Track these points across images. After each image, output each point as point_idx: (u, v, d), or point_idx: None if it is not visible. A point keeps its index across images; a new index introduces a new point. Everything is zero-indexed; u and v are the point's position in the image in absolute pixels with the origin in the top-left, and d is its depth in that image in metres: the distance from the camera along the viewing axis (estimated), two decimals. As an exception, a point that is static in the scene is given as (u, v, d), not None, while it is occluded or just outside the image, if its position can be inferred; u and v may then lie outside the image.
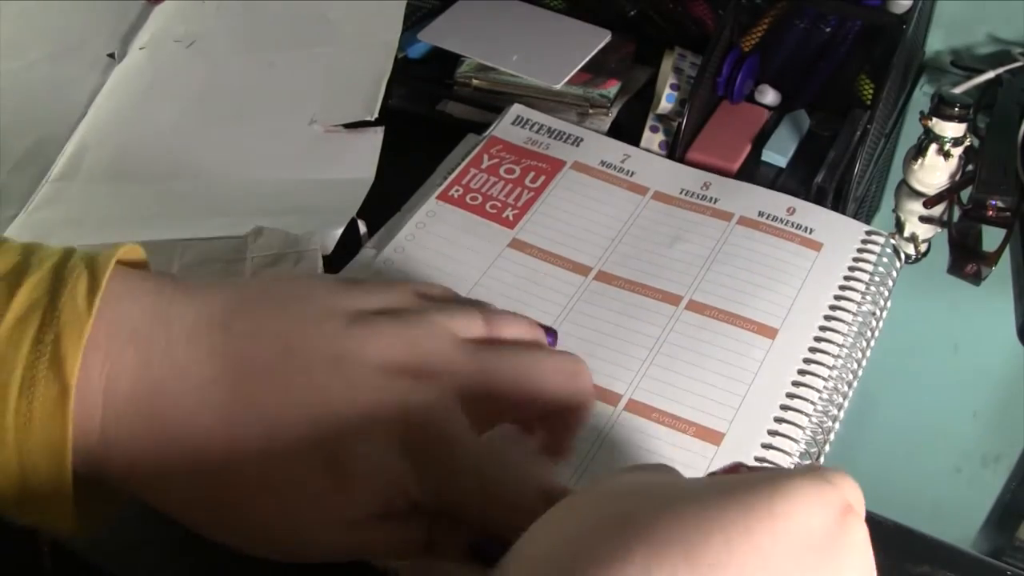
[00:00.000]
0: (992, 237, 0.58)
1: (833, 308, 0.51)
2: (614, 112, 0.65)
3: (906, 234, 0.61)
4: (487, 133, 0.62)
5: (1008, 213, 0.56)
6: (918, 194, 0.60)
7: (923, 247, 0.60)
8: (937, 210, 0.60)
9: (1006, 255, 0.57)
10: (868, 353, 0.51)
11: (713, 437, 0.46)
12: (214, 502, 0.35)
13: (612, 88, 0.65)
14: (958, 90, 0.61)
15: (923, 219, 0.60)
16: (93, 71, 0.69)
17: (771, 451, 0.45)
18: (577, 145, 0.61)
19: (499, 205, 0.57)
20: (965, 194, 0.59)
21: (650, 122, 0.63)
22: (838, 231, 0.55)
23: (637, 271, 0.54)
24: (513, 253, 0.55)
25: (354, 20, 0.70)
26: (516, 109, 0.63)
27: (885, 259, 0.54)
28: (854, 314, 0.51)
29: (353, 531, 0.36)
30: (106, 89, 0.67)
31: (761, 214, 0.56)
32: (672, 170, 0.59)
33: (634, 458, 0.45)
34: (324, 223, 0.56)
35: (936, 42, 0.70)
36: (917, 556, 0.44)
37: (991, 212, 0.57)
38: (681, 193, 0.58)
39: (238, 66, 0.69)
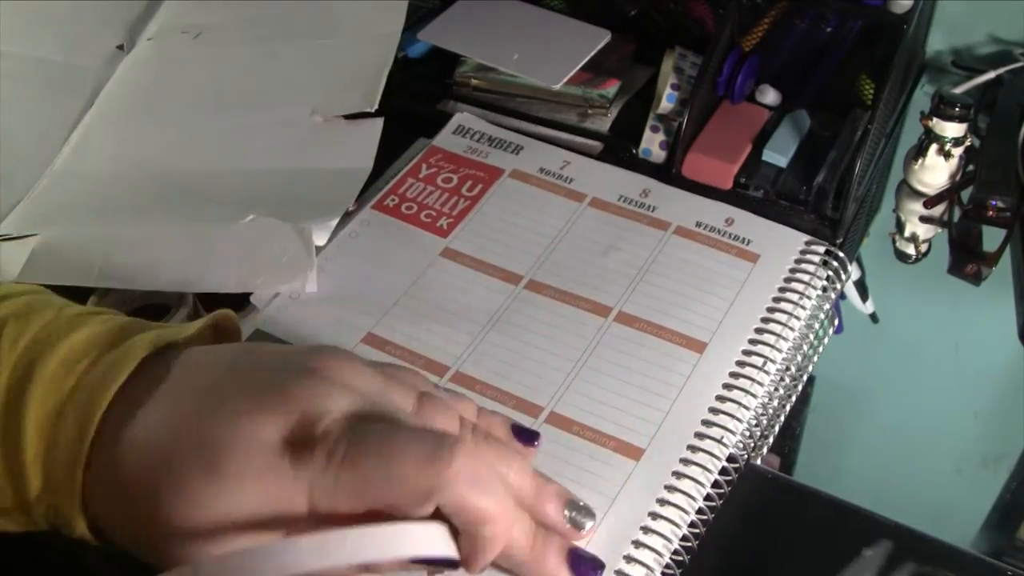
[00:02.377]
0: (992, 237, 0.58)
1: (766, 321, 0.51)
2: (614, 112, 0.65)
3: (906, 234, 0.61)
4: (430, 142, 0.62)
5: (1008, 213, 0.56)
6: (918, 194, 0.60)
7: (923, 247, 0.60)
8: (937, 210, 0.60)
9: (1006, 255, 0.57)
10: (810, 365, 0.51)
11: (632, 452, 0.45)
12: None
13: (612, 88, 0.65)
14: (959, 90, 0.62)
15: (923, 219, 0.60)
16: (102, 62, 0.69)
17: (691, 467, 0.45)
18: (517, 153, 0.61)
19: (434, 214, 0.57)
20: (965, 194, 0.59)
21: (650, 122, 0.63)
22: (777, 241, 0.54)
23: (568, 280, 0.53)
24: (444, 262, 0.54)
25: (358, 12, 0.70)
26: (459, 118, 0.63)
27: (829, 270, 0.53)
28: (786, 326, 0.50)
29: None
30: (114, 80, 0.68)
31: (699, 224, 0.55)
32: (612, 176, 0.59)
33: (551, 470, 0.44)
34: (320, 213, 0.56)
35: (937, 42, 0.70)
36: (917, 556, 0.44)
37: (991, 212, 0.57)
38: (619, 200, 0.57)
39: (243, 57, 0.69)
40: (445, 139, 0.62)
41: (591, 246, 0.55)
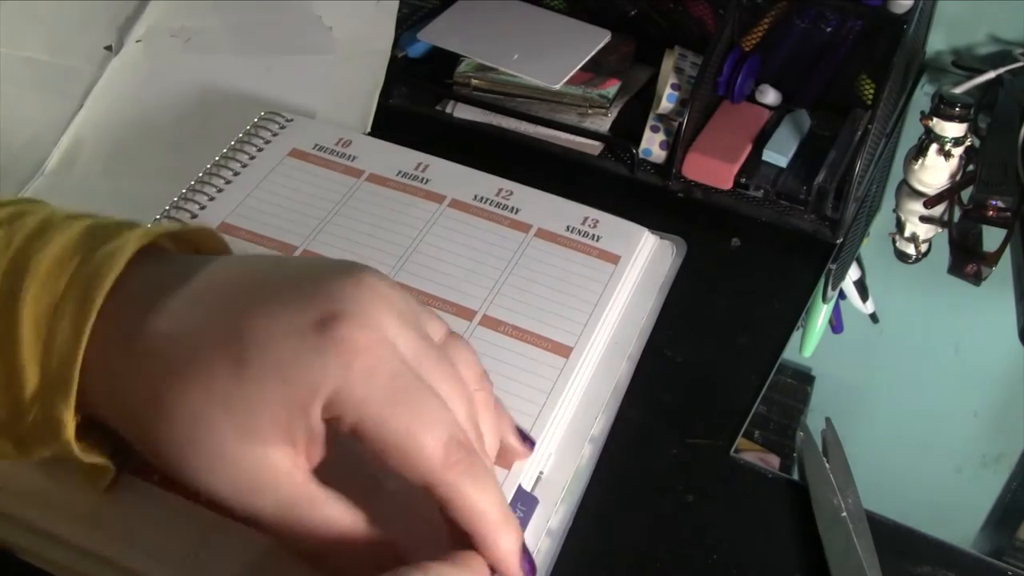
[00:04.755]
0: (992, 237, 0.58)
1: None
2: (614, 112, 0.65)
3: (906, 234, 0.61)
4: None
5: (1008, 213, 0.56)
6: (919, 194, 0.60)
7: (923, 247, 0.60)
8: (937, 210, 0.60)
9: (1006, 255, 0.57)
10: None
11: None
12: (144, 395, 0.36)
13: (612, 88, 0.65)
14: (959, 90, 0.61)
15: (923, 219, 0.60)
16: (90, 63, 0.69)
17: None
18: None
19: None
20: (965, 194, 0.59)
21: (650, 122, 0.63)
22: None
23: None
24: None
25: (348, 25, 0.70)
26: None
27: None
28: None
29: (251, 447, 0.34)
30: (102, 82, 0.68)
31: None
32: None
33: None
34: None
35: (937, 42, 0.70)
36: (917, 556, 0.44)
37: (991, 212, 0.57)
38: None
39: (235, 67, 0.69)
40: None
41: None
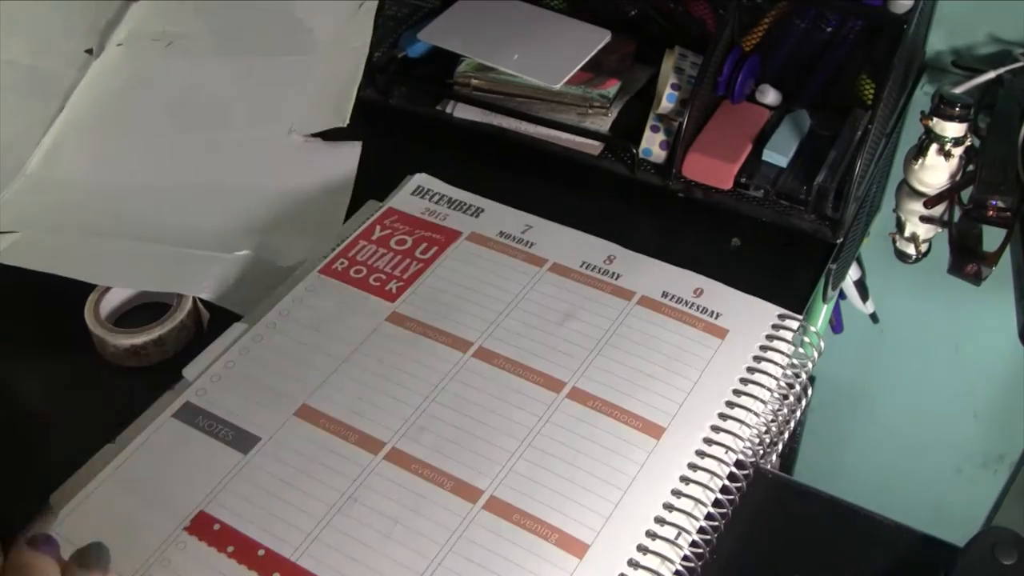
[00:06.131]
0: (992, 237, 0.58)
1: (731, 406, 0.47)
2: (614, 112, 0.65)
3: (906, 234, 0.61)
4: (384, 203, 0.59)
5: (1008, 213, 0.56)
6: (919, 194, 0.60)
7: (923, 247, 0.60)
8: (937, 210, 0.60)
9: (1006, 255, 0.57)
10: (778, 449, 0.47)
11: (576, 548, 0.42)
12: None
13: (612, 88, 0.65)
14: (959, 90, 0.61)
15: (923, 219, 0.60)
16: (71, 66, 0.69)
17: (638, 570, 0.41)
18: (477, 216, 0.58)
19: (384, 278, 0.54)
20: (965, 194, 0.59)
21: (651, 122, 0.63)
22: (747, 315, 0.51)
23: (521, 350, 0.49)
24: (390, 328, 0.51)
25: (327, 25, 0.70)
26: (418, 179, 0.60)
27: (801, 347, 0.50)
28: (756, 413, 0.47)
29: None
30: (84, 85, 0.67)
31: (665, 294, 0.52)
32: (576, 241, 0.56)
33: (487, 565, 0.41)
34: (302, 242, 0.56)
35: (937, 42, 0.70)
36: (917, 556, 0.44)
37: (991, 212, 0.57)
38: (581, 266, 0.54)
39: (217, 70, 0.69)
40: (402, 200, 0.59)
41: (548, 314, 0.52)
